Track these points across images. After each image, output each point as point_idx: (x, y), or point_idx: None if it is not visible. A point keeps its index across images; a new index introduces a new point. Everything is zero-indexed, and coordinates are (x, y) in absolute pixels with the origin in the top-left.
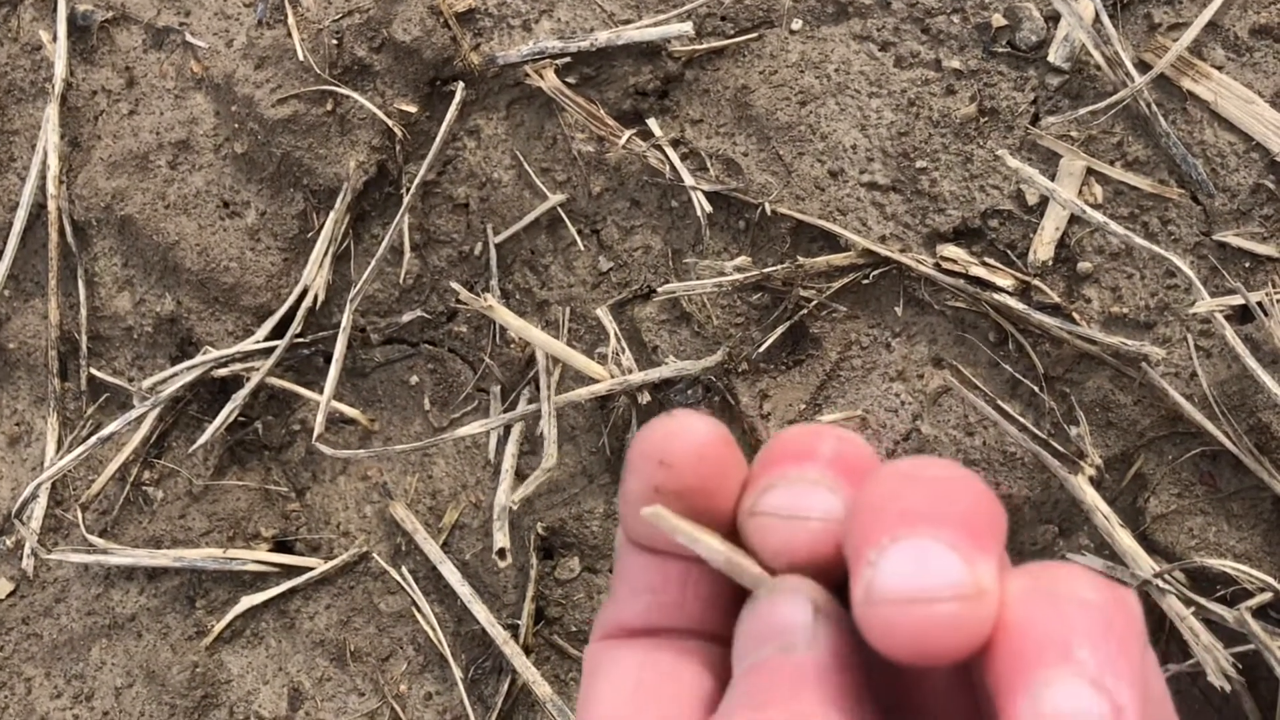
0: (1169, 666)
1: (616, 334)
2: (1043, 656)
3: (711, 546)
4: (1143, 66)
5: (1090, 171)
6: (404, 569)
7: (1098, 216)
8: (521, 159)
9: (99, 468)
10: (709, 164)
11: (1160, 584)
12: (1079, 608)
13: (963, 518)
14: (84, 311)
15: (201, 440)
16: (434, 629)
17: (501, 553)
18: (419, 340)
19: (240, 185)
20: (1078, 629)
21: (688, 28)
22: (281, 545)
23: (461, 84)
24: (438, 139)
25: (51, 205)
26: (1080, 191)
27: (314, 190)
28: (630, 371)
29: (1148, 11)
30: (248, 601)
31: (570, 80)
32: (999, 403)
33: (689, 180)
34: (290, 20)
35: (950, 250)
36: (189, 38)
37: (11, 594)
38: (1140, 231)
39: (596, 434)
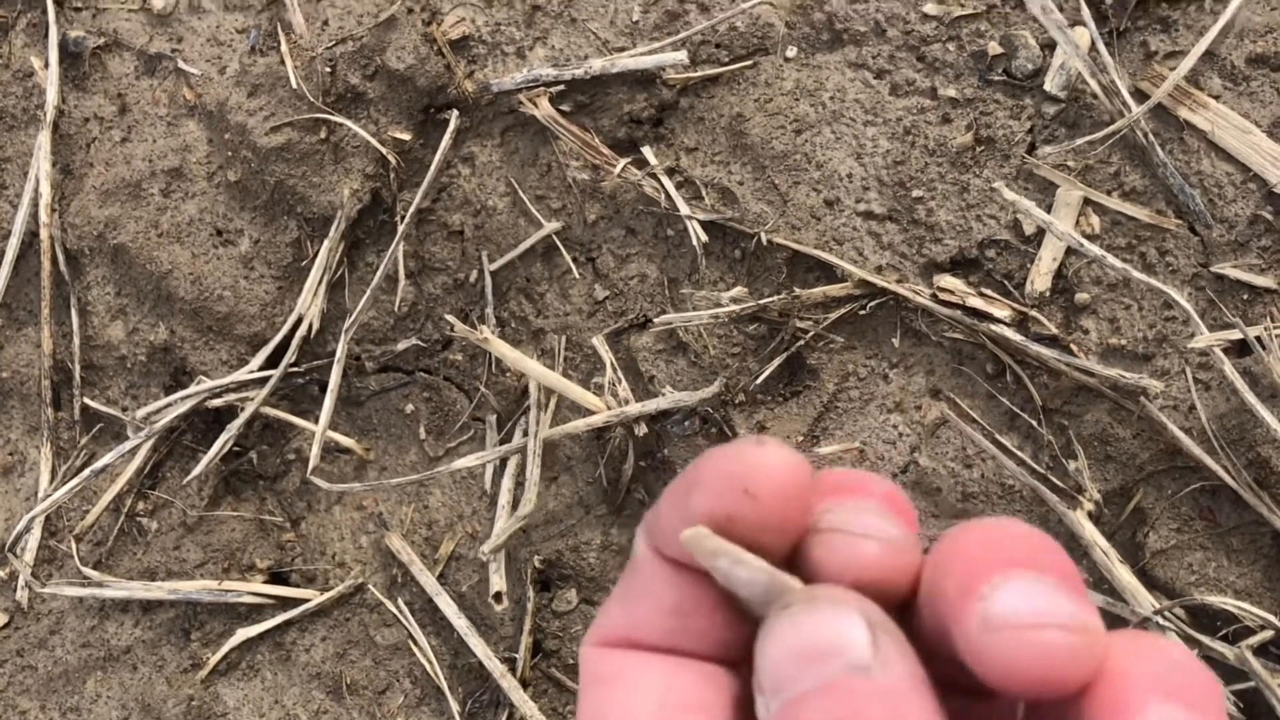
0: None
1: (613, 364)
2: (1149, 695)
3: (755, 566)
4: (1139, 95)
5: (1087, 201)
6: (400, 601)
7: (1095, 250)
8: (516, 186)
9: (93, 499)
10: (704, 192)
11: (1160, 621)
12: (1181, 666)
13: (1060, 568)
14: (77, 340)
15: (196, 471)
16: (430, 662)
17: (498, 596)
18: (414, 368)
19: (234, 213)
20: (1181, 684)
21: (682, 56)
22: (277, 576)
23: (456, 111)
24: (432, 166)
25: (44, 233)
26: (1077, 222)
27: (308, 218)
28: (627, 402)
29: (1144, 40)
30: (243, 634)
31: (564, 108)
32: (997, 436)
33: (684, 209)
34: (283, 47)
35: (947, 281)
36: (181, 65)
37: (6, 626)
38: (1138, 263)
39: (593, 465)
